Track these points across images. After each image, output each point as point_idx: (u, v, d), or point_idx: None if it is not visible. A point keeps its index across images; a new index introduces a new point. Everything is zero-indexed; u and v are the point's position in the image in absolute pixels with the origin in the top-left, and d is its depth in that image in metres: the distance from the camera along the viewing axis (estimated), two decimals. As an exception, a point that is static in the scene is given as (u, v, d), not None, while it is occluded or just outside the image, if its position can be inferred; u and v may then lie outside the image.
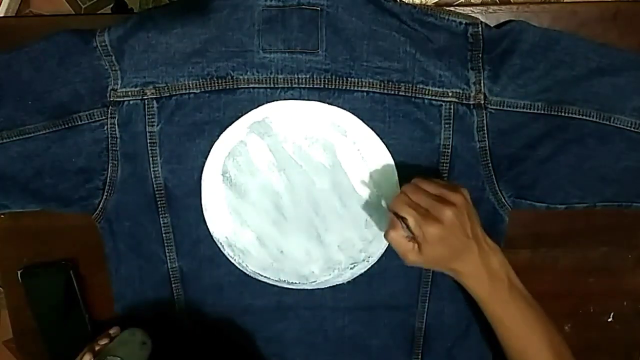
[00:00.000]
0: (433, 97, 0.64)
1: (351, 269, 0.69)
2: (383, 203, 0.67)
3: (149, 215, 0.68)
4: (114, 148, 0.66)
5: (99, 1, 0.73)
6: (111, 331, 0.67)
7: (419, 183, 0.58)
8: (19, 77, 0.66)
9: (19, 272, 0.73)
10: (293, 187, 0.67)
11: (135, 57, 0.64)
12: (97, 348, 0.64)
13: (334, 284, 0.69)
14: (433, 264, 0.59)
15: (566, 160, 0.64)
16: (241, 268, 0.69)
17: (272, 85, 0.64)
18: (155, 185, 0.67)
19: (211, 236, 0.68)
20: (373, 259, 0.68)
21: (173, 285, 0.70)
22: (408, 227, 0.55)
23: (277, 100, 0.65)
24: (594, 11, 0.67)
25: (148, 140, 0.65)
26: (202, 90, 0.64)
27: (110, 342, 0.65)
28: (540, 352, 0.59)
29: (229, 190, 0.67)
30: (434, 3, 0.70)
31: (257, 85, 0.64)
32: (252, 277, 0.69)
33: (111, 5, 0.72)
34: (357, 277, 0.69)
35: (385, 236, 0.58)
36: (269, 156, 0.66)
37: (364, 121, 0.64)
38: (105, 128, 0.66)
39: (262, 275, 0.69)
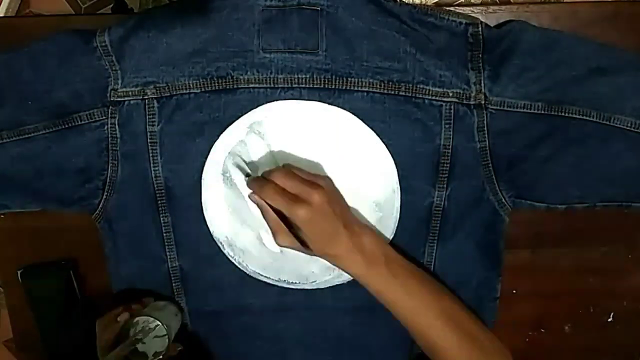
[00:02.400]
0: (433, 97, 0.64)
1: (351, 269, 0.69)
2: (377, 207, 0.67)
3: (149, 215, 0.68)
4: (114, 148, 0.66)
5: (99, 1, 0.73)
6: (145, 300, 0.67)
7: (286, 170, 0.59)
8: (19, 77, 0.66)
9: (19, 272, 0.73)
10: (293, 187, 0.67)
11: (135, 57, 0.64)
12: (133, 307, 0.64)
13: (334, 284, 0.69)
14: (308, 247, 0.59)
15: (566, 160, 0.64)
16: (241, 268, 0.69)
17: (272, 85, 0.64)
18: (155, 185, 0.67)
19: (211, 236, 0.68)
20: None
21: (173, 285, 0.70)
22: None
23: (277, 100, 0.65)
24: (594, 11, 0.67)
25: (148, 140, 0.65)
26: (203, 90, 0.64)
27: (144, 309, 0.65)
28: (434, 321, 0.59)
29: (229, 189, 0.67)
30: (434, 3, 0.70)
31: (257, 85, 0.64)
32: (252, 277, 0.69)
33: (111, 5, 0.72)
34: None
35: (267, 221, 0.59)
36: (269, 156, 0.66)
37: (364, 121, 0.64)
38: (106, 128, 0.66)
39: (262, 275, 0.69)
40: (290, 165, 0.61)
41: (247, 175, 0.63)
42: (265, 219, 0.60)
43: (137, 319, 0.62)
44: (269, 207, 0.59)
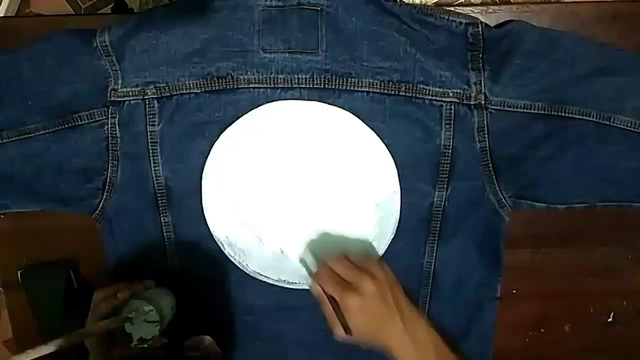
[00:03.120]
0: (433, 98, 0.64)
1: (351, 269, 0.69)
2: (377, 207, 0.67)
3: (150, 215, 0.68)
4: (114, 148, 0.66)
5: (99, 1, 0.72)
6: (147, 282, 0.65)
7: (339, 257, 0.59)
8: (19, 77, 0.66)
9: (19, 272, 0.73)
10: (293, 187, 0.67)
11: (135, 57, 0.64)
12: (135, 287, 0.63)
13: (334, 284, 0.69)
14: (360, 337, 0.58)
15: (566, 160, 0.64)
16: (241, 267, 0.69)
17: (272, 85, 0.64)
18: (156, 185, 0.67)
19: (212, 235, 0.68)
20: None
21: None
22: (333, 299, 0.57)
23: (277, 100, 0.65)
24: (594, 11, 0.67)
25: (149, 140, 0.65)
26: (203, 90, 0.64)
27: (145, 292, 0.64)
28: None
29: (229, 189, 0.67)
30: (434, 3, 0.70)
31: (257, 85, 0.64)
32: (252, 277, 0.69)
33: (111, 5, 0.72)
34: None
35: (321, 309, 0.59)
36: (269, 156, 0.66)
37: (364, 121, 0.64)
38: (106, 128, 0.66)
39: (262, 275, 0.69)
40: (346, 252, 0.60)
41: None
42: (323, 310, 0.59)
43: (133, 300, 0.61)
44: (326, 299, 0.58)
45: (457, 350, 0.61)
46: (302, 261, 0.69)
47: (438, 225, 0.67)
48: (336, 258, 0.59)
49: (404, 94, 0.64)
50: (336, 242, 0.68)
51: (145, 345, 0.62)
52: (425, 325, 0.60)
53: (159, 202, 0.67)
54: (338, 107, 0.64)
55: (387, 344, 0.58)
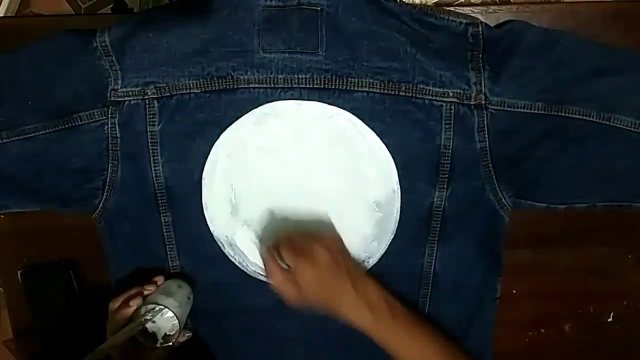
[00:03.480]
0: (434, 98, 0.64)
1: (351, 269, 0.69)
2: (377, 207, 0.67)
3: (150, 215, 0.68)
4: (114, 148, 0.66)
5: (99, 1, 0.72)
6: (157, 279, 0.66)
7: (287, 236, 0.62)
8: (19, 77, 0.66)
9: (19, 272, 0.73)
10: (293, 187, 0.67)
11: (135, 57, 0.64)
12: (145, 293, 0.64)
13: (334, 284, 0.69)
14: (314, 303, 0.60)
15: (566, 160, 0.64)
16: (241, 267, 0.69)
17: (272, 85, 0.64)
18: (156, 185, 0.67)
19: (212, 235, 0.68)
20: (373, 260, 0.68)
21: (173, 285, 0.70)
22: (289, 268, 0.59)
23: (277, 100, 0.65)
24: (594, 11, 0.67)
25: (149, 140, 0.65)
26: (203, 90, 0.64)
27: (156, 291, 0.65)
28: None
29: (229, 189, 0.67)
30: (434, 3, 0.70)
31: (257, 85, 0.64)
32: (252, 277, 0.69)
33: (111, 5, 0.72)
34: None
35: (269, 280, 0.61)
36: (269, 156, 0.66)
37: (364, 121, 0.64)
38: (106, 128, 0.66)
39: (262, 275, 0.69)
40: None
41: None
42: (271, 277, 0.61)
43: (148, 301, 0.62)
44: (277, 267, 0.60)
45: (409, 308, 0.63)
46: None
47: (438, 225, 0.67)
48: (291, 233, 0.61)
49: (404, 94, 0.64)
50: (336, 242, 0.68)
51: (172, 342, 0.62)
52: (377, 287, 0.61)
53: (159, 202, 0.67)
54: (338, 107, 0.64)
55: (341, 310, 0.60)
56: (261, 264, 0.69)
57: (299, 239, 0.61)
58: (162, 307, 0.62)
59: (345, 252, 0.62)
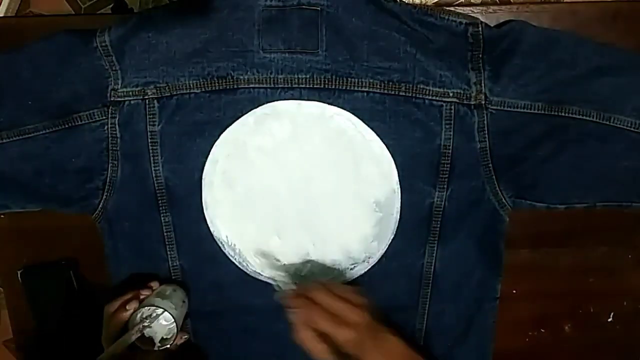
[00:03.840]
0: (434, 98, 0.64)
1: (351, 269, 0.69)
2: (377, 207, 0.67)
3: (150, 215, 0.68)
4: (114, 148, 0.66)
5: (99, 1, 0.72)
6: (152, 284, 0.67)
7: (326, 290, 0.60)
8: (19, 77, 0.66)
9: (19, 272, 0.73)
10: (293, 187, 0.67)
11: (135, 57, 0.64)
12: (141, 297, 0.64)
13: (334, 284, 0.69)
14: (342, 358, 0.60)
15: (566, 160, 0.64)
16: (241, 267, 0.69)
17: (272, 85, 0.64)
18: (156, 185, 0.67)
19: (212, 235, 0.68)
20: (373, 260, 0.68)
21: (173, 285, 0.70)
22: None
23: (277, 100, 0.65)
24: (594, 11, 0.67)
25: (149, 140, 0.65)
26: (203, 90, 0.64)
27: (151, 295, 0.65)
28: None
29: (229, 189, 0.67)
30: (434, 3, 0.70)
31: (257, 85, 0.64)
32: (252, 277, 0.69)
33: (111, 5, 0.72)
34: (358, 277, 0.69)
35: (297, 339, 0.59)
36: (269, 156, 0.66)
37: (364, 121, 0.64)
38: (106, 128, 0.66)
39: (262, 275, 0.69)
40: (323, 282, 0.62)
41: (278, 286, 0.66)
42: (299, 340, 0.60)
43: (144, 306, 0.62)
44: (307, 327, 0.59)
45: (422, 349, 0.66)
46: (303, 263, 0.69)
47: (438, 226, 0.67)
48: (322, 292, 0.60)
49: (404, 94, 0.64)
50: (336, 242, 0.68)
51: (169, 345, 0.63)
52: (398, 342, 0.62)
53: (159, 202, 0.67)
54: (338, 107, 0.64)
55: None
56: (261, 264, 0.69)
57: (332, 301, 0.59)
58: (159, 309, 0.62)
59: (372, 308, 0.62)
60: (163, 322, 0.64)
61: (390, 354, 0.61)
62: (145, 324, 0.62)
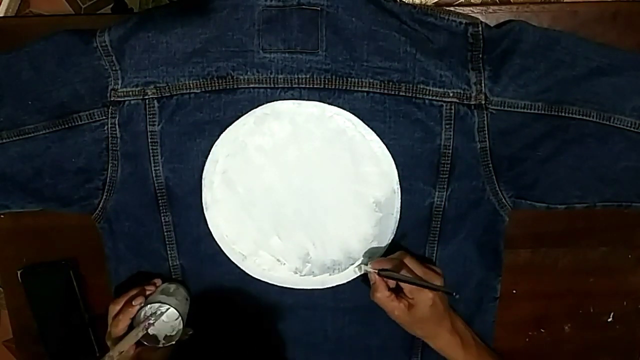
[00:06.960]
0: (434, 98, 0.64)
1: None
2: (377, 207, 0.67)
3: (150, 214, 0.68)
4: (114, 148, 0.66)
5: (99, 1, 0.72)
6: (155, 281, 0.67)
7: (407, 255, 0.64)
8: (19, 77, 0.66)
9: (19, 272, 0.73)
10: (293, 187, 0.67)
11: (135, 57, 0.64)
12: (147, 293, 0.65)
13: (334, 285, 0.69)
14: (418, 325, 0.64)
15: (566, 160, 0.64)
16: (241, 267, 0.69)
17: (272, 85, 0.64)
18: (156, 185, 0.67)
19: (212, 235, 0.68)
20: (373, 260, 0.68)
21: (173, 285, 0.70)
22: (401, 290, 0.62)
23: (277, 100, 0.65)
24: (594, 11, 0.67)
25: (149, 140, 0.65)
26: (203, 90, 0.64)
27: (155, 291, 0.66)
28: None
29: (229, 189, 0.67)
30: (434, 3, 0.70)
31: (257, 85, 0.64)
32: (252, 277, 0.69)
33: (111, 5, 0.72)
34: (357, 277, 0.69)
35: (372, 297, 0.63)
36: (269, 156, 0.66)
37: (364, 121, 0.64)
38: (106, 128, 0.66)
39: (262, 275, 0.69)
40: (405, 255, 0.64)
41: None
42: (374, 298, 0.63)
43: (148, 304, 0.63)
44: (382, 284, 0.62)
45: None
46: (303, 263, 0.69)
47: (438, 226, 0.67)
48: (404, 253, 0.64)
49: (404, 94, 0.64)
50: (336, 242, 0.68)
51: (174, 342, 0.63)
52: (462, 322, 0.67)
53: (159, 202, 0.67)
54: (338, 107, 0.64)
55: (437, 342, 0.65)
56: (261, 264, 0.69)
57: (415, 265, 0.63)
58: (164, 306, 0.63)
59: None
60: (167, 319, 0.64)
61: (458, 329, 0.65)
62: (151, 321, 0.62)
